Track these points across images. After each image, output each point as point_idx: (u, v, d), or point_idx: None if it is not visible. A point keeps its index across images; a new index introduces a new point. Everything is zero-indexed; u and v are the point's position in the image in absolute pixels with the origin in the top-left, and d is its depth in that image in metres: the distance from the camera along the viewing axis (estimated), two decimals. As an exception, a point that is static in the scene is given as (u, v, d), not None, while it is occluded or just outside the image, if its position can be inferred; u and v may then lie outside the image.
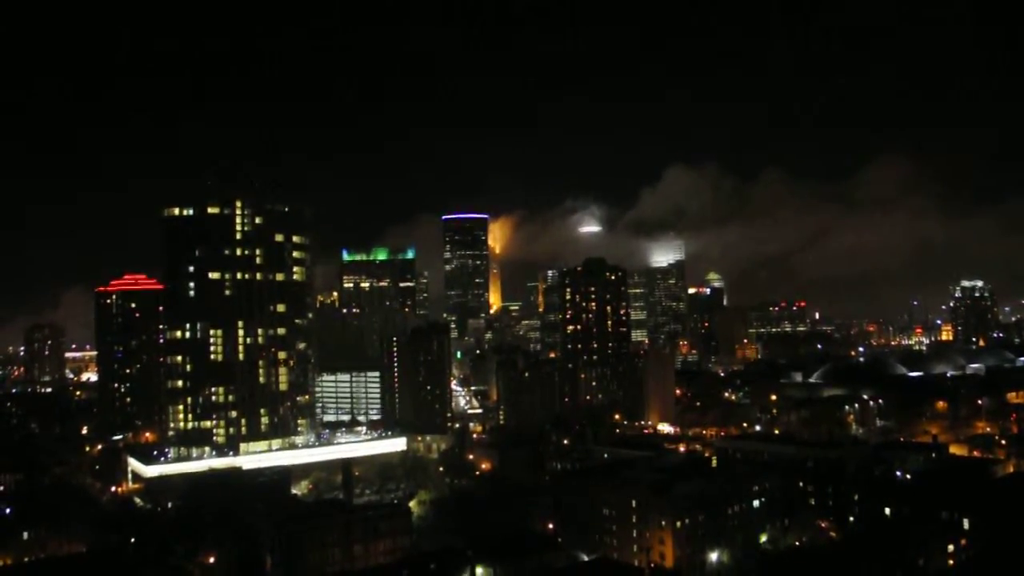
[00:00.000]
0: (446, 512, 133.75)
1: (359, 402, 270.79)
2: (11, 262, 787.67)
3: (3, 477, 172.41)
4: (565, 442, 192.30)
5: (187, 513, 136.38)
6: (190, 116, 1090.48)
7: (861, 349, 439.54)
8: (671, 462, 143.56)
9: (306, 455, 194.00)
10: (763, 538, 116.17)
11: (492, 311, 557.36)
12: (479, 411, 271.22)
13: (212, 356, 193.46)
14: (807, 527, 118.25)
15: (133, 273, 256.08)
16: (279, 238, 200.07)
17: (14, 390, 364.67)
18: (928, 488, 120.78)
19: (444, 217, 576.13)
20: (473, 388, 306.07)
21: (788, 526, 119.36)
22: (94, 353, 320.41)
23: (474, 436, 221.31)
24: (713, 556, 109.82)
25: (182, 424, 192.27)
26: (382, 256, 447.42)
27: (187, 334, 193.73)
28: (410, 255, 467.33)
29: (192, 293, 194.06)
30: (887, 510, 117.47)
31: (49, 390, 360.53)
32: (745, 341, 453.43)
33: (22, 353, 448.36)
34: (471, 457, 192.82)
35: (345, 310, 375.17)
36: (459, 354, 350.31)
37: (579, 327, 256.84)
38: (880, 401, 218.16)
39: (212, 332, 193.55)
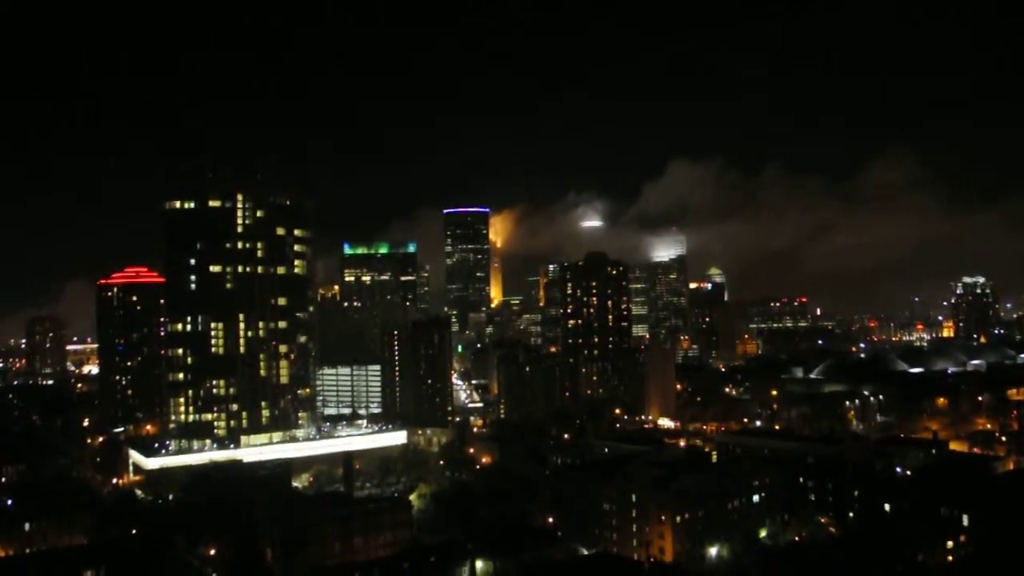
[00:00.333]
0: (446, 505, 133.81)
1: (360, 395, 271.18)
2: (13, 255, 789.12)
3: (5, 469, 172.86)
4: (565, 436, 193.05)
5: (188, 505, 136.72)
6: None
7: (862, 345, 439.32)
8: (671, 457, 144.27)
9: (307, 448, 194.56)
10: (763, 533, 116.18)
11: (493, 305, 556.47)
12: (480, 405, 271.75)
13: (213, 349, 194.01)
14: (807, 522, 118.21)
15: (134, 266, 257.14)
16: (280, 231, 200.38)
17: (16, 382, 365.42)
18: (928, 484, 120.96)
19: (445, 211, 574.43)
20: (474, 382, 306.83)
21: (788, 521, 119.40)
22: (95, 346, 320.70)
23: (475, 430, 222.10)
24: (713, 551, 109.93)
25: (183, 417, 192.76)
26: (383, 250, 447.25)
27: (188, 327, 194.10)
28: (411, 249, 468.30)
29: (193, 286, 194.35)
30: (887, 506, 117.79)
31: (50, 382, 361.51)
32: (746, 336, 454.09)
33: (23, 345, 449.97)
34: (471, 451, 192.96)
35: (346, 304, 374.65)
36: (460, 348, 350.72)
37: (580, 322, 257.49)
38: (881, 397, 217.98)
39: (213, 325, 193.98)
